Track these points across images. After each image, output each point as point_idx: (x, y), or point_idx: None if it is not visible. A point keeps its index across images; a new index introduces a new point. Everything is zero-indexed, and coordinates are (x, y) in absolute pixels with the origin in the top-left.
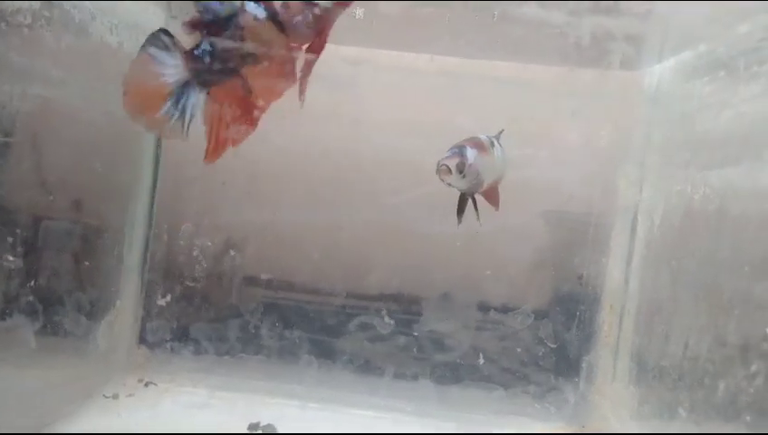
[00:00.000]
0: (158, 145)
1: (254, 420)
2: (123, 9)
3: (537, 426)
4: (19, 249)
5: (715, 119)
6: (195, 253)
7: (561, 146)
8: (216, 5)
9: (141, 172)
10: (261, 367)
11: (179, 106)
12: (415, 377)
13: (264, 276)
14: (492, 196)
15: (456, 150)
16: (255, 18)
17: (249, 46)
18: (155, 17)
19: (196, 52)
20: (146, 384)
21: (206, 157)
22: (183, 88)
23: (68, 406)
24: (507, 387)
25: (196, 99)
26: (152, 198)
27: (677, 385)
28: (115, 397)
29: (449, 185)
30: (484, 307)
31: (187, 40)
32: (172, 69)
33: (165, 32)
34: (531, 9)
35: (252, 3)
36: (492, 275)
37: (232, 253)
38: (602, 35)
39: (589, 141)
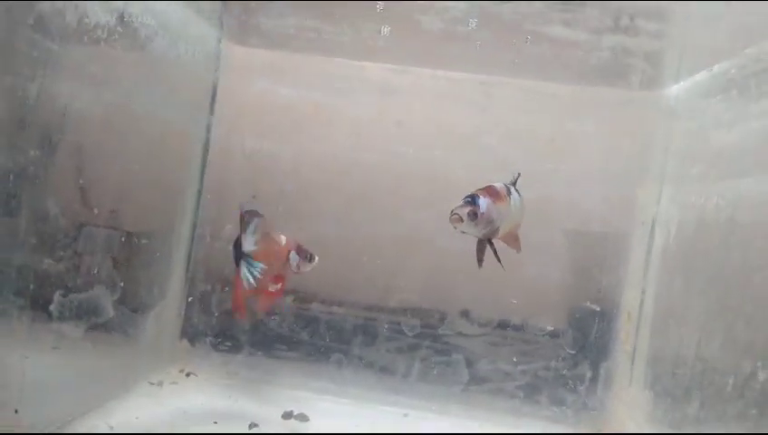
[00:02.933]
0: (205, 153)
1: (288, 410)
2: (181, 26)
3: (555, 428)
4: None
5: (728, 134)
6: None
7: (583, 161)
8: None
9: (189, 177)
10: (293, 365)
11: None
12: (437, 380)
13: (292, 285)
14: (511, 240)
15: (469, 199)
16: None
17: None
18: (209, 36)
19: None
20: (187, 374)
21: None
22: None
23: (117, 390)
24: (527, 391)
25: None
26: (198, 201)
27: (690, 385)
28: (159, 384)
29: (462, 232)
30: (504, 315)
31: None
32: None
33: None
34: (557, 29)
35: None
36: (513, 277)
37: None
38: (622, 52)
39: (609, 157)
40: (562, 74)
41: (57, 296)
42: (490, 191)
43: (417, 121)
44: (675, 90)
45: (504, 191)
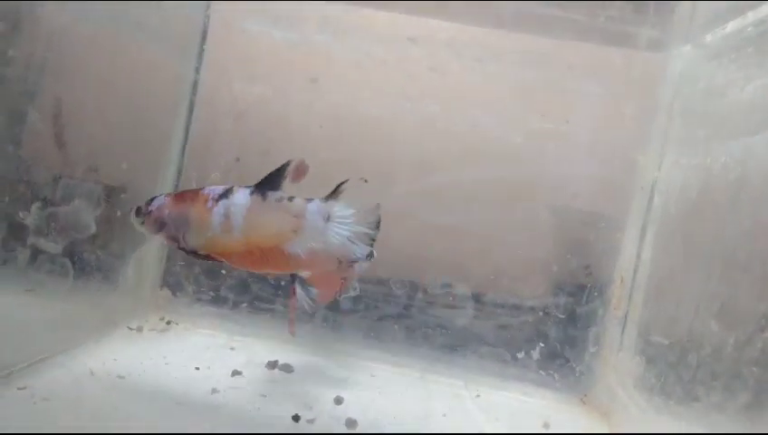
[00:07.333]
0: (193, 96)
1: (273, 360)
2: None
3: (541, 392)
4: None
5: (741, 92)
6: None
7: (583, 123)
8: None
9: (176, 121)
10: (276, 319)
11: None
12: (425, 342)
13: None
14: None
15: (155, 197)
16: None
17: None
18: None
19: None
20: (168, 323)
21: None
22: None
23: (94, 333)
24: (514, 354)
25: None
26: (184, 147)
27: (685, 348)
28: (139, 330)
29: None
30: (494, 277)
31: None
32: None
33: None
34: None
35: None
36: (501, 244)
37: None
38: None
39: (611, 119)
40: (568, 32)
41: (34, 208)
42: (184, 195)
43: (415, 73)
44: (684, 51)
45: (205, 198)
